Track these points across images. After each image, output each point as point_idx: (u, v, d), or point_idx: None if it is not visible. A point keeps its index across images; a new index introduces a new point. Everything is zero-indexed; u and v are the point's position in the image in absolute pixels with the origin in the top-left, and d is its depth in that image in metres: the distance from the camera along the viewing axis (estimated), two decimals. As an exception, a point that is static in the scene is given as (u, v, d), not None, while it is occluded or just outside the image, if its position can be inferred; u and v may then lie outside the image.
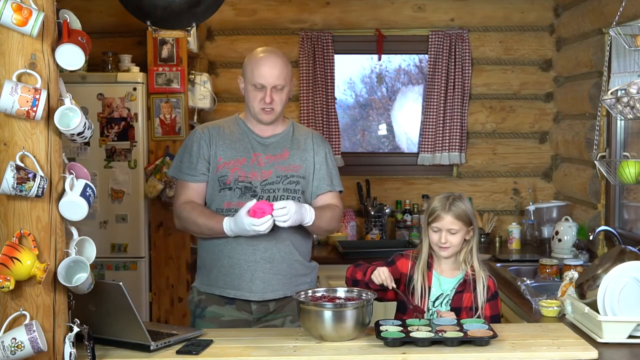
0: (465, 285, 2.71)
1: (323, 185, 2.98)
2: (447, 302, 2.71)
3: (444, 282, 2.74)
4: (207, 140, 2.91)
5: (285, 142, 2.95)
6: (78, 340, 2.18)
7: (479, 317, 2.66)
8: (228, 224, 2.77)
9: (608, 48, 3.50)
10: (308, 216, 2.79)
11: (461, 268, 2.74)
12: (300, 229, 2.88)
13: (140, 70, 4.39)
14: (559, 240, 4.15)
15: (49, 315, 2.13)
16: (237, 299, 2.88)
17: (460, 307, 2.70)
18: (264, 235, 2.76)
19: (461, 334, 2.38)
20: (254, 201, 2.71)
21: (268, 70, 2.83)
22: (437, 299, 2.72)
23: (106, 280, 3.67)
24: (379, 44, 4.91)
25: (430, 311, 2.71)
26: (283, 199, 2.85)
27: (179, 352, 2.33)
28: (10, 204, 2.09)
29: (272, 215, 2.67)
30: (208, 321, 2.87)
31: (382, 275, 2.60)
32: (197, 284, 2.98)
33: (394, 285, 2.62)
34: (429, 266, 2.74)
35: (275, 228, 2.76)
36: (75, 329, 2.16)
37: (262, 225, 2.66)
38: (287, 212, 2.68)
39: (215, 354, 2.33)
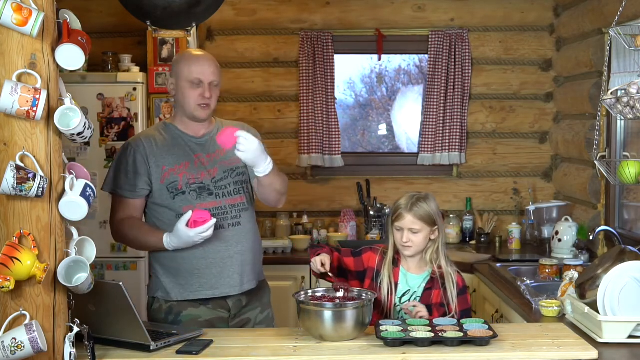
0: (434, 282, 2.73)
1: None
2: (416, 299, 2.73)
3: (410, 278, 2.76)
4: (143, 153, 2.87)
5: None
6: (78, 340, 2.18)
7: (451, 313, 2.68)
8: (169, 240, 2.77)
9: (608, 48, 3.49)
10: (264, 165, 2.78)
11: (428, 266, 2.77)
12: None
13: (140, 70, 4.39)
14: (559, 240, 4.14)
15: (49, 315, 2.13)
16: (212, 299, 2.87)
17: (429, 303, 2.71)
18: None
19: (461, 334, 2.38)
20: (190, 213, 2.71)
21: (206, 67, 2.88)
22: (404, 294, 2.74)
23: (106, 280, 3.67)
24: (379, 44, 4.91)
25: (398, 307, 2.73)
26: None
27: (179, 352, 2.33)
28: (10, 204, 2.09)
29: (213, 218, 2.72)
30: (185, 325, 2.81)
31: (316, 264, 2.64)
32: (161, 294, 2.91)
33: (326, 270, 2.64)
34: (396, 262, 2.77)
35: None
36: (75, 329, 2.16)
37: (209, 230, 2.71)
38: (247, 143, 2.70)
39: (215, 354, 2.33)
